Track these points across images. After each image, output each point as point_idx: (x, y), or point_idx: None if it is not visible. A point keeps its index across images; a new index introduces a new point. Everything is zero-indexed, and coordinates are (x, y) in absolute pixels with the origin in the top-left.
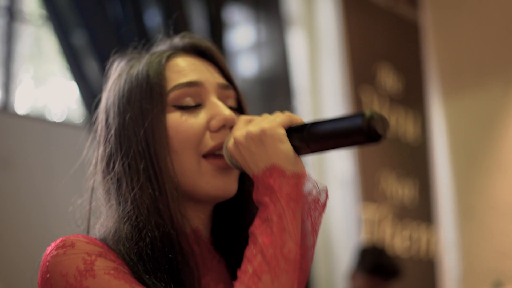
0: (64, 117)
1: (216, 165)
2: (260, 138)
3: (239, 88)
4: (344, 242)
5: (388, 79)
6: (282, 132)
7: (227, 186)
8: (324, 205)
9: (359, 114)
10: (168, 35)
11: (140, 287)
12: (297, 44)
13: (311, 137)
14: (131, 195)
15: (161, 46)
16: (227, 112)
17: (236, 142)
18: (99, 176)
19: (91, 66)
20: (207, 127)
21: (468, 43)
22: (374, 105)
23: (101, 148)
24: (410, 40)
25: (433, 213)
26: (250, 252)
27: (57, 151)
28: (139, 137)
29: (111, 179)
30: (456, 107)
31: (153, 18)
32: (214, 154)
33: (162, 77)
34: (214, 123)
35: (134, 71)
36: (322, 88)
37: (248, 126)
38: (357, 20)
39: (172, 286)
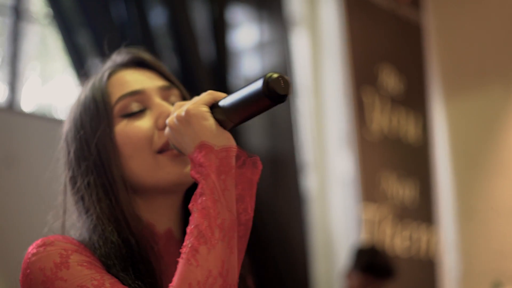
0: None
1: (171, 155)
2: (186, 119)
3: (180, 85)
4: (344, 242)
5: (390, 80)
6: (205, 109)
7: (186, 170)
8: (256, 173)
9: (260, 78)
10: (171, 39)
11: (110, 277)
12: (299, 44)
13: (228, 109)
14: (94, 208)
15: (103, 67)
16: (171, 109)
17: (169, 128)
18: (68, 196)
19: (95, 65)
20: (155, 126)
21: (470, 45)
22: (376, 106)
23: (66, 172)
24: (412, 41)
25: (434, 214)
26: (189, 228)
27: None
28: (93, 153)
29: (77, 194)
30: (458, 108)
31: (157, 18)
32: (167, 149)
33: (106, 94)
34: (161, 121)
35: (82, 97)
36: (324, 89)
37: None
38: (359, 22)
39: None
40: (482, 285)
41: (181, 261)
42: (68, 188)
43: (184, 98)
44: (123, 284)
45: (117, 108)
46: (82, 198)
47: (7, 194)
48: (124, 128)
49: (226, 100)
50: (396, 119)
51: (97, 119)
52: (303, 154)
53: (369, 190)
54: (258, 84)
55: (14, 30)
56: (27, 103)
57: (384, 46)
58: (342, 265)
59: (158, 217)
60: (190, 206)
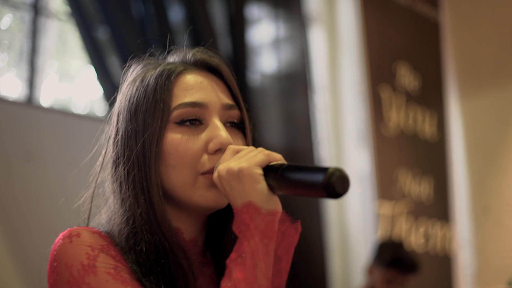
0: (87, 110)
1: (211, 179)
2: (238, 176)
3: (243, 106)
4: (360, 238)
5: (406, 78)
6: (259, 172)
7: (219, 199)
8: (296, 238)
9: (323, 170)
10: (189, 35)
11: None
12: (316, 41)
13: (282, 181)
14: (128, 201)
15: (175, 56)
16: (224, 135)
17: (219, 175)
18: (107, 173)
19: (113, 61)
20: (205, 149)
21: (487, 42)
22: (392, 103)
23: (111, 148)
24: (428, 39)
25: (449, 211)
26: (225, 284)
27: (80, 143)
28: (138, 148)
29: (116, 180)
30: (473, 106)
31: (176, 14)
32: (211, 173)
33: (169, 93)
34: (212, 146)
35: (146, 81)
36: (340, 86)
37: (230, 160)
38: (376, 19)
39: None
40: (497, 282)
41: None
42: (109, 166)
43: (242, 121)
44: (145, 285)
45: (174, 114)
46: (121, 185)
47: (27, 186)
48: (175, 139)
49: (282, 170)
50: (412, 117)
51: (152, 116)
52: (320, 151)
53: (385, 186)
54: (320, 176)
55: (33, 26)
56: (46, 99)
57: (400, 44)
58: (359, 260)
59: (185, 225)
60: (227, 261)
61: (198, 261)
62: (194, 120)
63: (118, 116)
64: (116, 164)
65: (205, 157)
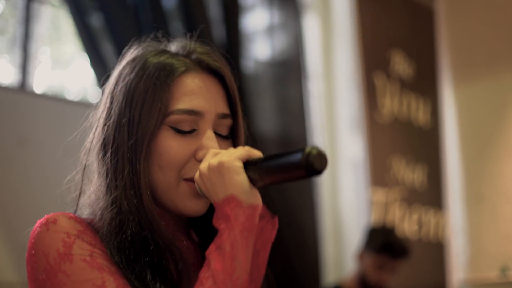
0: (80, 97)
1: (193, 189)
2: (219, 169)
3: (240, 113)
4: (354, 225)
5: (401, 65)
6: (239, 164)
7: (199, 208)
8: (273, 234)
9: (300, 150)
10: (183, 22)
11: (111, 276)
12: (310, 28)
13: (262, 171)
14: (116, 192)
15: (178, 46)
16: (214, 146)
17: (200, 173)
18: (95, 154)
19: (106, 48)
20: (193, 155)
21: (481, 30)
22: (386, 91)
23: (100, 130)
24: (423, 26)
25: (443, 198)
26: (203, 274)
27: (73, 129)
28: (130, 142)
29: (103, 166)
30: (467, 93)
31: (170, 1)
32: (193, 181)
33: (168, 94)
34: (200, 155)
35: (146, 69)
36: (334, 73)
37: (211, 158)
38: (371, 6)
39: (149, 277)
40: (490, 269)
41: None
42: (96, 148)
43: (233, 129)
44: (125, 276)
45: (170, 118)
46: (107, 172)
47: (21, 172)
48: (167, 141)
49: (262, 161)
50: (406, 104)
51: (148, 114)
52: (313, 138)
53: (379, 173)
54: (298, 156)
55: (26, 12)
56: (39, 85)
57: (395, 31)
58: (352, 248)
59: (163, 212)
60: (207, 252)
61: (186, 244)
62: (188, 131)
63: (112, 97)
64: (104, 149)
65: (192, 163)
